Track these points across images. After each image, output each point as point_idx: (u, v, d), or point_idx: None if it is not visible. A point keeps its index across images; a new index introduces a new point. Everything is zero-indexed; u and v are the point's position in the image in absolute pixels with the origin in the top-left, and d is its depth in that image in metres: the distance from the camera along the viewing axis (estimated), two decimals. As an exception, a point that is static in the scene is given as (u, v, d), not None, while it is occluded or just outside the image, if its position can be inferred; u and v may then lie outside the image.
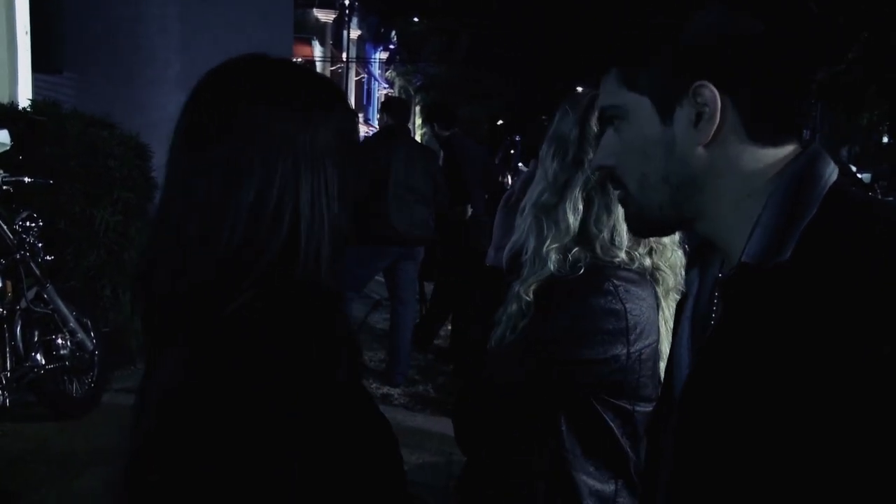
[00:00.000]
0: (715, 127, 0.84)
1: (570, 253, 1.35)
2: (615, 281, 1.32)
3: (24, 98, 5.34)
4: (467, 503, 1.52)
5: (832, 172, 0.82)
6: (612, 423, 1.34)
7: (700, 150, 0.85)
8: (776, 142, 0.85)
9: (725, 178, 0.86)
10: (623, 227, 1.35)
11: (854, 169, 24.07)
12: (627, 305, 1.30)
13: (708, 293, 0.95)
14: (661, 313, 1.40)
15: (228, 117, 0.88)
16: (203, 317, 0.88)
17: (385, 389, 5.20)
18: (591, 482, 1.35)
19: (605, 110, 0.95)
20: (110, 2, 10.29)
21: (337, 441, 0.92)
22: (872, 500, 0.69)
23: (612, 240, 1.36)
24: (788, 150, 0.85)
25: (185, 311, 0.89)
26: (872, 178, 23.03)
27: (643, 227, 0.98)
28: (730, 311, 0.84)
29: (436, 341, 6.38)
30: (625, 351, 1.30)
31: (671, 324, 1.42)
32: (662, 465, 0.93)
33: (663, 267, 1.41)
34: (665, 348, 1.42)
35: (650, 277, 1.39)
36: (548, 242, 1.35)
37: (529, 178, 1.50)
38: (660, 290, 1.40)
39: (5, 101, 4.81)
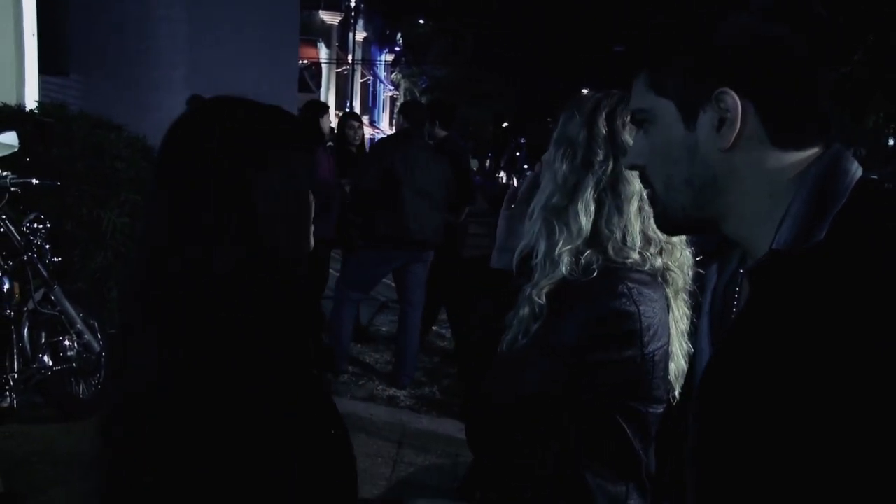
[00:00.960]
0: (736, 132, 0.86)
1: (582, 255, 1.34)
2: (629, 283, 1.31)
3: (32, 100, 5.36)
4: None
5: (857, 168, 0.84)
6: (624, 425, 1.34)
7: (722, 153, 0.87)
8: (799, 145, 0.86)
9: (748, 180, 0.87)
10: (635, 228, 1.35)
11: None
12: (641, 308, 1.30)
13: (724, 288, 0.97)
14: (671, 314, 1.40)
15: (195, 159, 1.03)
16: (188, 320, 0.94)
17: (391, 391, 5.20)
18: (602, 484, 1.34)
19: (635, 113, 0.98)
20: (117, 4, 10.32)
21: (324, 441, 0.98)
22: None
23: (623, 240, 1.35)
24: (812, 151, 0.86)
25: (167, 315, 0.96)
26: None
27: (668, 226, 1.00)
28: (757, 297, 0.84)
29: (441, 343, 6.38)
30: (639, 353, 1.30)
31: (681, 325, 1.42)
32: (685, 457, 0.92)
33: (673, 267, 1.40)
34: (676, 349, 1.41)
35: (661, 278, 1.39)
36: (560, 245, 1.35)
37: (534, 180, 1.50)
38: (670, 291, 1.40)
39: (13, 103, 4.83)
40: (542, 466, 1.36)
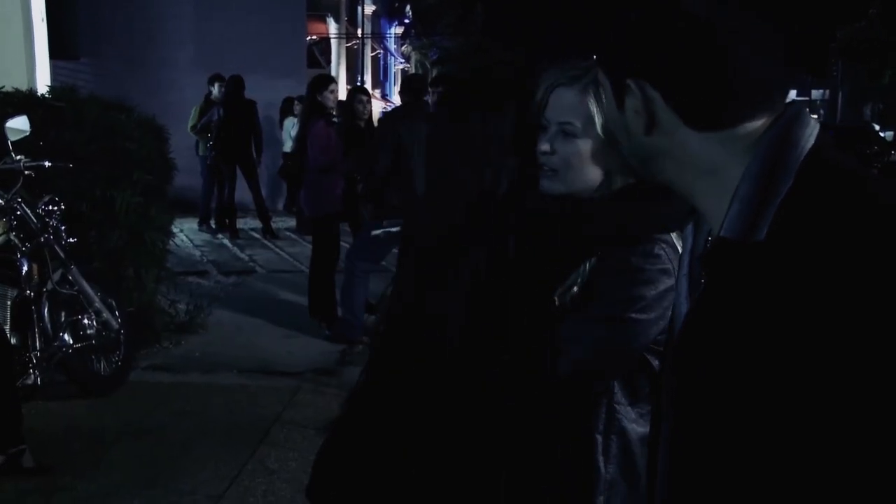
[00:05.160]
0: (647, 120, 0.85)
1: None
2: (663, 245, 1.41)
3: (43, 84, 5.42)
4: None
5: (810, 136, 0.80)
6: (653, 364, 1.42)
7: (646, 137, 0.87)
8: (728, 123, 0.82)
9: (679, 160, 0.86)
10: None
11: (877, 127, 23.72)
12: (673, 265, 1.39)
13: (701, 251, 0.97)
14: None
15: None
16: None
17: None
18: (638, 429, 1.42)
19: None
20: (123, -14, 10.34)
21: None
22: None
23: None
24: (759, 122, 0.82)
25: None
26: (895, 135, 22.67)
27: None
28: (710, 284, 0.85)
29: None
30: (671, 304, 1.38)
31: None
32: (663, 421, 0.95)
33: None
34: None
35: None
36: None
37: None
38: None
39: (24, 87, 4.89)
40: (593, 422, 1.43)
